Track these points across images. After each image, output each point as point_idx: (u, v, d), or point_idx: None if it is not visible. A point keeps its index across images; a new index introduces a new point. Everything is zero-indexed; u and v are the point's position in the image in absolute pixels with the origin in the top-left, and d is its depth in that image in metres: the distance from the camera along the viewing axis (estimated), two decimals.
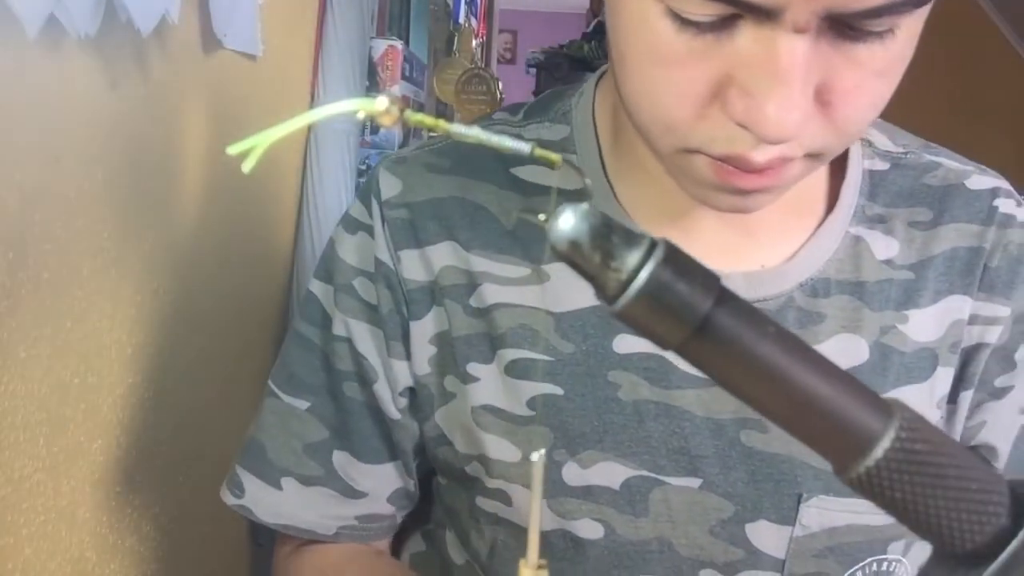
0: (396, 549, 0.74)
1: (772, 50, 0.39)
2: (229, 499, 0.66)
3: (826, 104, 0.42)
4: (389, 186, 0.61)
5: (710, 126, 0.44)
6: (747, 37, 0.40)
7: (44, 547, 0.65)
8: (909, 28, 0.41)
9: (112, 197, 0.70)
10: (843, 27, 0.40)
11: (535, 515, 0.33)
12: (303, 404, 0.64)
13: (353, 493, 0.64)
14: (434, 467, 0.66)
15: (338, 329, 0.62)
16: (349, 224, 0.63)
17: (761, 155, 0.43)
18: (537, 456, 0.33)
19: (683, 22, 0.41)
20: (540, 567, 0.33)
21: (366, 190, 0.63)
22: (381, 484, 0.65)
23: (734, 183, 0.46)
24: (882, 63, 0.42)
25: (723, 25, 0.40)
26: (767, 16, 0.39)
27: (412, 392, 0.62)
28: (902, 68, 0.44)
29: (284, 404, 0.64)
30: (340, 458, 0.64)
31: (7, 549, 0.60)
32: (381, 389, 0.62)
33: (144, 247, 0.76)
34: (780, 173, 0.45)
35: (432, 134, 0.98)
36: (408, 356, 0.61)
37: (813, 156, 0.46)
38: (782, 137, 0.41)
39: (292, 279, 1.24)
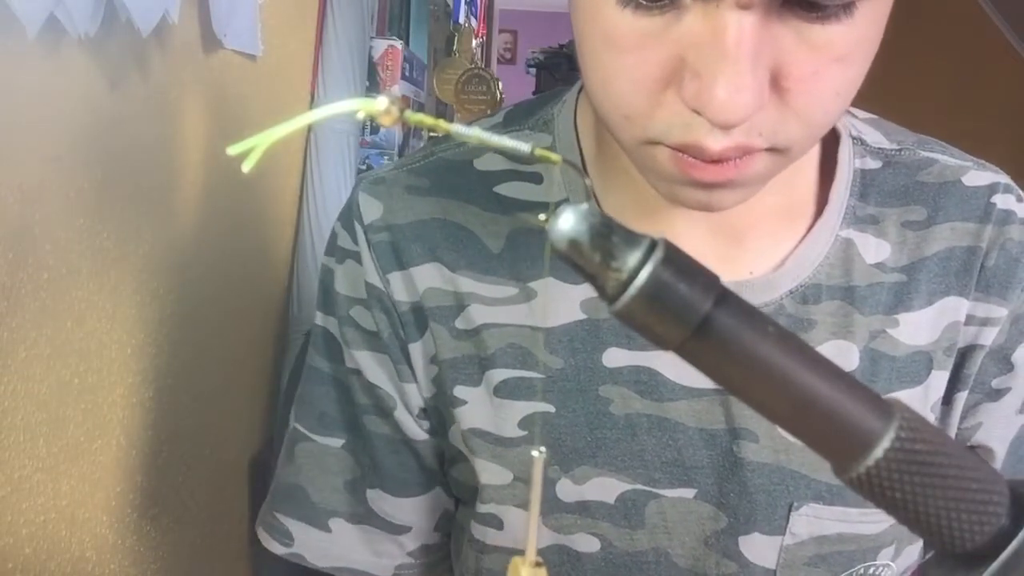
0: None
1: (718, 27, 0.39)
2: (278, 549, 0.63)
3: (784, 91, 0.41)
4: (370, 209, 0.60)
5: (667, 114, 0.43)
6: (694, 16, 0.40)
7: (44, 547, 0.65)
8: (872, 10, 0.40)
9: (112, 197, 0.70)
10: (793, 5, 0.39)
11: (534, 514, 0.33)
12: (337, 442, 0.62)
13: (395, 529, 0.63)
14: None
15: (349, 362, 0.61)
16: (336, 253, 0.62)
17: (716, 143, 0.42)
18: (537, 453, 0.33)
19: (632, 5, 0.40)
20: (538, 564, 0.33)
21: (347, 215, 0.61)
22: (422, 516, 0.63)
23: (694, 175, 0.44)
24: (842, 47, 0.40)
25: (671, 5, 0.40)
26: None
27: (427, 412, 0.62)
28: (866, 54, 0.42)
29: (318, 445, 0.62)
30: (373, 495, 0.62)
31: (7, 549, 0.60)
32: (401, 415, 0.61)
33: (144, 247, 0.76)
34: (741, 167, 0.43)
35: (433, 133, 0.97)
36: (415, 378, 0.60)
37: (779, 151, 0.44)
38: (732, 119, 0.39)
39: (292, 279, 1.24)
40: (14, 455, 0.60)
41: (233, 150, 0.28)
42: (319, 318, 0.63)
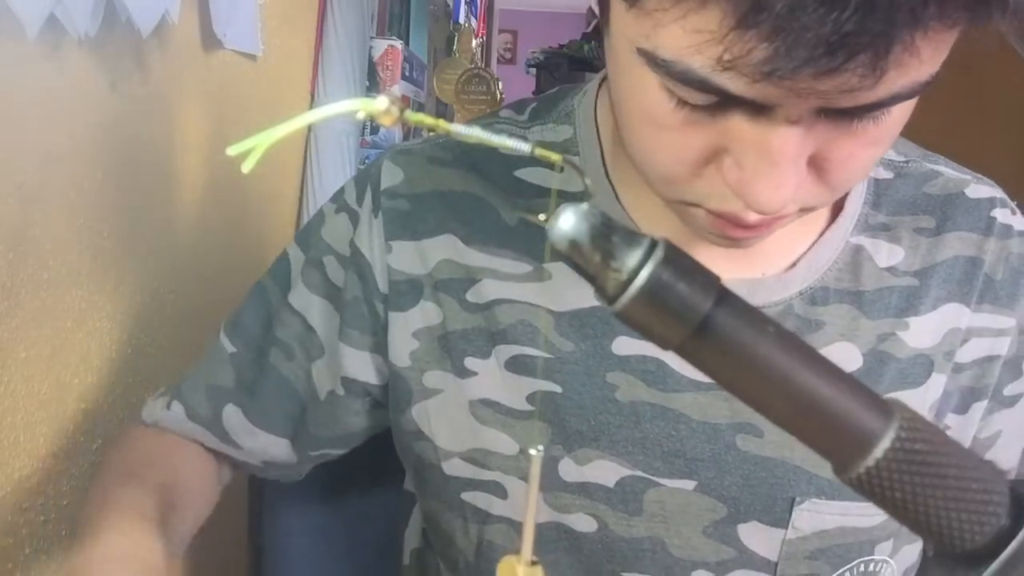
0: (398, 543, 0.74)
1: (765, 137, 0.40)
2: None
3: (821, 170, 0.43)
4: (391, 176, 0.61)
5: (706, 184, 0.45)
6: (741, 120, 0.41)
7: (44, 547, 0.65)
8: (904, 103, 0.42)
9: (112, 197, 0.70)
10: (838, 114, 0.40)
11: (530, 513, 0.33)
12: (230, 348, 0.65)
13: (229, 442, 0.65)
14: (405, 463, 0.66)
15: (294, 300, 0.63)
16: (338, 202, 0.64)
17: (752, 216, 0.45)
18: (535, 452, 0.33)
19: (679, 98, 0.41)
20: (533, 563, 0.33)
21: (364, 176, 0.63)
22: (262, 450, 0.65)
23: (729, 233, 0.47)
24: (877, 135, 0.43)
25: (717, 107, 0.41)
26: (760, 109, 0.39)
27: (364, 387, 0.63)
28: (896, 134, 0.45)
29: (218, 342, 0.65)
30: (231, 411, 0.64)
31: (7, 549, 0.60)
32: (320, 367, 0.62)
33: (144, 247, 0.76)
34: (773, 226, 0.47)
35: (432, 133, 0.97)
36: (372, 348, 0.61)
37: (805, 209, 0.47)
38: (772, 211, 0.42)
39: None
40: (14, 455, 0.60)
41: (233, 150, 0.28)
42: (293, 248, 0.65)
